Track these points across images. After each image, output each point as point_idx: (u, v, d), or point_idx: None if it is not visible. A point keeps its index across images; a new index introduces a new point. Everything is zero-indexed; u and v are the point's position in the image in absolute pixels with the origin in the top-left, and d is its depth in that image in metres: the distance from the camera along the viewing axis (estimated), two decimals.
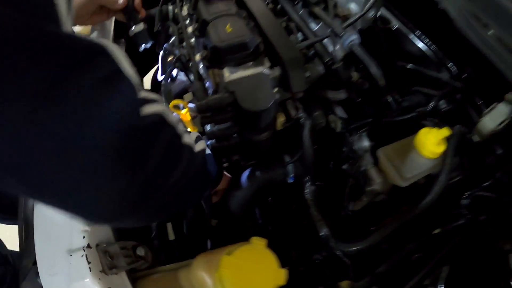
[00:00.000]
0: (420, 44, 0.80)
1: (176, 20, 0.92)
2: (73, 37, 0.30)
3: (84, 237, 0.44)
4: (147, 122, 0.33)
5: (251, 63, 0.58)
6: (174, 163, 0.39)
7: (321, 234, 0.57)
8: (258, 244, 0.44)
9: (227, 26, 0.59)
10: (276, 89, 0.57)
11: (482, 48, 0.58)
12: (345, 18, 0.71)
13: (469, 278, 0.54)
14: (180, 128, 0.41)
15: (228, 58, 0.57)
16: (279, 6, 0.84)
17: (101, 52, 0.32)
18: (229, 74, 0.54)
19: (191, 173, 0.42)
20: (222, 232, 0.72)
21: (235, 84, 0.52)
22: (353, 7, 0.72)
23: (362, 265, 0.59)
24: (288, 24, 0.76)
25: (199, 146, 0.48)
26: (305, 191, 0.62)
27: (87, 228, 0.44)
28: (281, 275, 0.43)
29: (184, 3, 0.84)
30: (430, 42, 0.79)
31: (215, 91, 0.59)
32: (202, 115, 0.53)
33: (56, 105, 0.27)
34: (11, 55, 0.26)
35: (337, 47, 0.67)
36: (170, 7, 0.93)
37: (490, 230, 0.62)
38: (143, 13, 0.82)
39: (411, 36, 0.81)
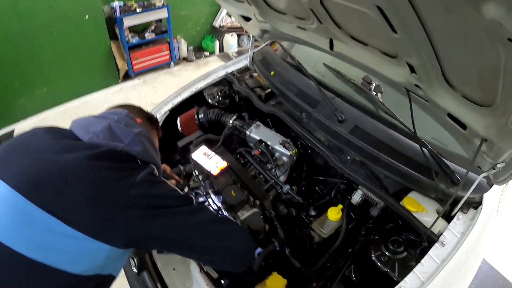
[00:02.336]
0: (324, 160, 1.69)
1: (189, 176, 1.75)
2: None
3: None
4: None
5: (247, 205, 1.44)
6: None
7: (297, 266, 1.40)
8: (274, 274, 1.26)
9: (232, 192, 1.44)
10: (262, 215, 1.41)
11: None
12: (281, 165, 1.60)
13: (362, 267, 1.37)
14: None
15: (237, 206, 1.42)
16: (246, 159, 1.73)
17: None
18: (241, 216, 1.38)
19: None
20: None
21: (246, 220, 1.35)
22: (285, 158, 1.61)
23: (320, 275, 1.41)
24: (254, 172, 1.64)
25: None
26: (286, 251, 1.44)
27: None
28: (285, 281, 1.24)
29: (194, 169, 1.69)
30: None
31: None
32: None
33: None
34: None
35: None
36: (184, 169, 1.77)
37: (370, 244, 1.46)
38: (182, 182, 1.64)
39: (321, 153, 1.68)
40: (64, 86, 4.59)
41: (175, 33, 5.35)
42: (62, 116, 4.53)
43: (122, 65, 4.87)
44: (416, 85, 1.15)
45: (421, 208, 1.32)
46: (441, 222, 1.28)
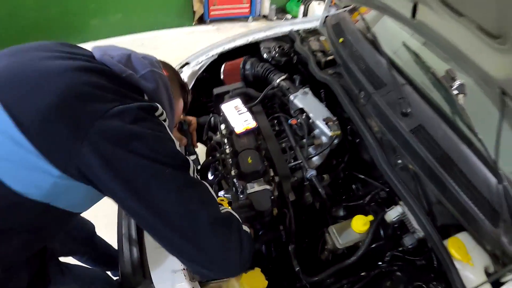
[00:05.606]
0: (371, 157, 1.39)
1: (216, 128, 1.56)
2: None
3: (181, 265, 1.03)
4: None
5: (262, 178, 1.21)
6: (246, 236, 0.90)
7: (296, 269, 1.16)
8: (257, 270, 1.03)
9: (249, 159, 1.21)
10: (273, 196, 1.17)
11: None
12: (318, 145, 1.33)
13: None
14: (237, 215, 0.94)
15: (249, 176, 1.19)
16: (282, 127, 1.48)
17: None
18: (249, 188, 1.16)
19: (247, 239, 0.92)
20: None
21: (252, 195, 1.13)
22: (324, 139, 1.34)
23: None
24: (285, 145, 1.39)
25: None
26: (289, 248, 1.20)
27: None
28: (265, 283, 1.01)
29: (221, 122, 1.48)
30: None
31: (242, 192, 1.21)
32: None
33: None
34: None
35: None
36: (212, 120, 1.58)
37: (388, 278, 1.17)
38: (195, 145, 1.43)
39: (368, 145, 1.39)
40: (138, 17, 4.62)
41: None
42: (130, 44, 4.47)
43: (198, 8, 4.74)
44: None
45: (467, 258, 0.99)
46: (485, 286, 0.96)
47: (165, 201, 0.76)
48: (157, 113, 0.85)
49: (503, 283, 0.94)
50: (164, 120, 0.88)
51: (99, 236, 1.66)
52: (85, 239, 1.54)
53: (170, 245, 0.82)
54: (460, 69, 1.25)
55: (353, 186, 1.47)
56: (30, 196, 0.75)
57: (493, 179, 1.05)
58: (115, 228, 1.26)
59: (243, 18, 5.18)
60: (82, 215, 1.30)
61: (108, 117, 0.73)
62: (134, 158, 0.73)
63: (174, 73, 1.13)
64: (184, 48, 4.45)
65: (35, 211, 0.78)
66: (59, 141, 0.72)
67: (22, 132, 0.70)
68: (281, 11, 5.52)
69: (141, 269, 1.11)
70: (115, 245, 1.71)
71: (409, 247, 1.12)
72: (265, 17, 5.41)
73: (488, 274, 0.98)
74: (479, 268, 0.98)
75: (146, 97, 0.90)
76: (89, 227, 1.57)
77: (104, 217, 1.62)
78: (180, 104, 1.14)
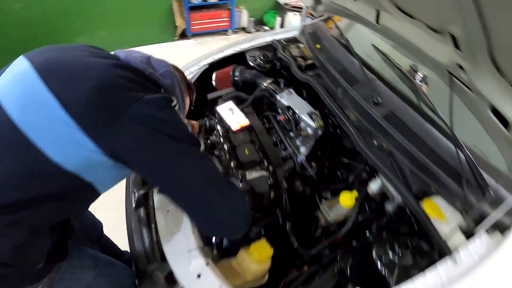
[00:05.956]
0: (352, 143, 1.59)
1: (211, 131, 1.73)
2: None
3: (195, 243, 1.20)
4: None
5: (258, 167, 1.38)
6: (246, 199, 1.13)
7: (295, 245, 1.34)
8: (263, 240, 1.20)
9: (246, 150, 1.39)
10: (270, 182, 1.36)
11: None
12: (304, 136, 1.53)
13: (360, 263, 1.28)
14: None
15: (247, 166, 1.37)
16: (271, 125, 1.67)
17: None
18: (248, 176, 1.33)
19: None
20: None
21: (252, 180, 1.31)
22: (309, 130, 1.53)
23: (315, 261, 1.35)
24: (275, 139, 1.58)
25: None
26: (287, 227, 1.38)
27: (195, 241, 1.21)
28: (271, 250, 1.18)
29: (217, 123, 1.66)
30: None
31: (241, 181, 1.38)
32: None
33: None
34: None
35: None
36: (207, 122, 1.76)
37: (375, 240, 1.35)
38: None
39: (347, 131, 1.58)
40: (122, 34, 4.79)
41: (239, 2, 5.34)
42: None
43: (180, 23, 4.94)
44: (459, 66, 1.04)
45: (441, 215, 1.15)
46: (460, 237, 1.11)
47: (184, 169, 0.96)
48: (173, 104, 1.04)
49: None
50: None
51: (106, 236, 1.81)
52: (95, 236, 1.68)
53: (187, 205, 1.02)
54: (418, 60, 1.47)
55: (338, 172, 1.66)
56: (65, 166, 0.91)
57: (454, 149, 1.23)
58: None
59: (223, 31, 5.41)
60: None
61: (139, 103, 0.92)
62: (160, 136, 0.93)
63: (182, 75, 1.35)
64: None
65: (66, 180, 0.94)
66: (97, 121, 0.90)
67: (66, 111, 0.88)
68: (259, 23, 5.78)
69: (153, 254, 1.26)
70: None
71: (391, 213, 1.31)
72: (244, 29, 5.66)
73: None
74: (453, 223, 1.14)
75: (163, 91, 1.10)
76: (98, 225, 1.73)
77: (104, 223, 1.79)
78: (187, 101, 1.35)
